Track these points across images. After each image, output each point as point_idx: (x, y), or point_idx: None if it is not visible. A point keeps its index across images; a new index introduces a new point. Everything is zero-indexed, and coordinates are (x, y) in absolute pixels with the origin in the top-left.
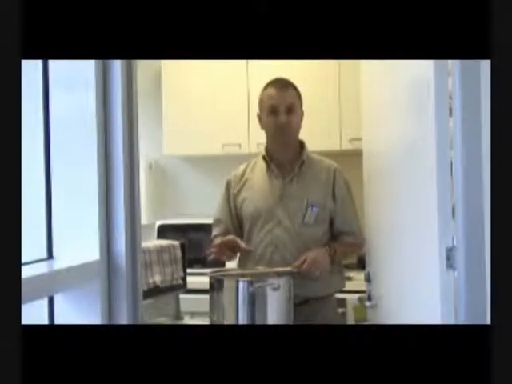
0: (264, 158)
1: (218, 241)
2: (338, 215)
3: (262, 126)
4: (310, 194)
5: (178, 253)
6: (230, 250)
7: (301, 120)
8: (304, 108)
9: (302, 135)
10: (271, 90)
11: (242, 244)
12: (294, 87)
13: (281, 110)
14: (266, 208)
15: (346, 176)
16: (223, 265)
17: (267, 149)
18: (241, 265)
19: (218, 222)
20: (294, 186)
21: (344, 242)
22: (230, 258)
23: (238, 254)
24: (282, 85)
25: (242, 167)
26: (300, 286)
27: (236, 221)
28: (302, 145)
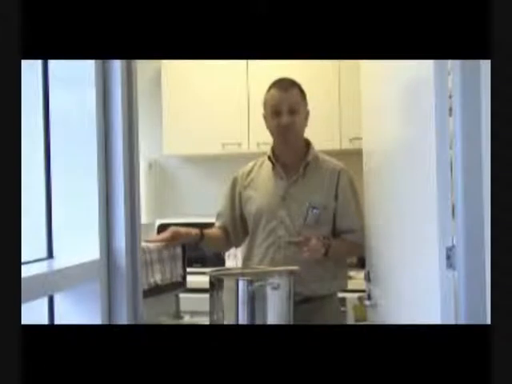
0: (269, 158)
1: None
2: (338, 214)
3: (267, 127)
4: (313, 195)
5: (178, 250)
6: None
7: (305, 119)
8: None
9: None
10: (274, 91)
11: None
12: (298, 87)
13: (283, 110)
14: (269, 208)
15: (351, 175)
16: (223, 264)
17: (273, 149)
18: (244, 264)
19: (218, 215)
20: (297, 188)
21: (343, 240)
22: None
23: (243, 254)
24: (285, 85)
25: (249, 165)
26: (301, 285)
27: (239, 218)
28: (307, 144)
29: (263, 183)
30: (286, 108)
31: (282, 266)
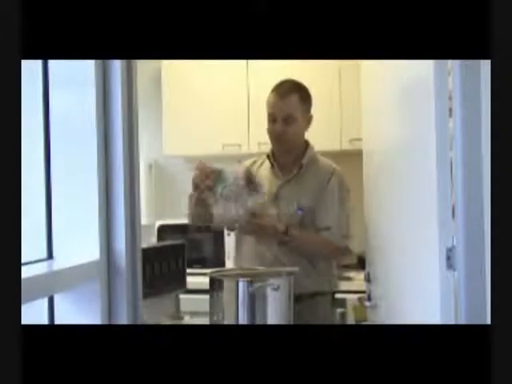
0: (269, 157)
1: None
2: (319, 213)
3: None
4: (301, 196)
5: None
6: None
7: (307, 123)
8: None
9: None
10: (272, 97)
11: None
12: (299, 92)
13: (278, 119)
14: (261, 205)
15: (343, 178)
16: (223, 264)
17: (272, 149)
18: (236, 262)
19: None
20: (289, 188)
21: (316, 235)
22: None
23: (234, 253)
24: (283, 91)
25: (251, 160)
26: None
27: None
28: (306, 146)
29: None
30: (280, 117)
31: (273, 264)
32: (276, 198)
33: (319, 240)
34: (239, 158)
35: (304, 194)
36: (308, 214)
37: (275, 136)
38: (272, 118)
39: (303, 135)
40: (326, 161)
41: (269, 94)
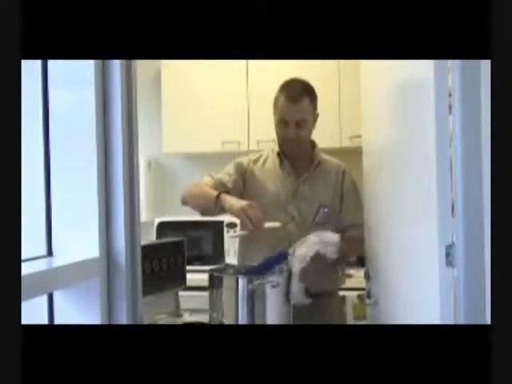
0: (279, 154)
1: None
2: (343, 212)
3: (274, 127)
4: (321, 194)
5: None
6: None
7: (314, 122)
8: None
9: None
10: (284, 101)
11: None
12: (309, 94)
13: (290, 123)
14: (279, 204)
15: (352, 176)
16: (223, 261)
17: (280, 146)
18: (243, 258)
19: (217, 180)
20: (307, 186)
21: (349, 236)
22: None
23: (238, 246)
24: (295, 96)
25: (255, 155)
26: (307, 281)
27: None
28: (313, 144)
29: (271, 178)
30: (293, 121)
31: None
32: (294, 196)
33: (356, 242)
34: (238, 156)
35: (322, 191)
36: (332, 211)
37: (287, 140)
38: (283, 123)
39: (311, 135)
40: (329, 158)
41: (277, 94)
